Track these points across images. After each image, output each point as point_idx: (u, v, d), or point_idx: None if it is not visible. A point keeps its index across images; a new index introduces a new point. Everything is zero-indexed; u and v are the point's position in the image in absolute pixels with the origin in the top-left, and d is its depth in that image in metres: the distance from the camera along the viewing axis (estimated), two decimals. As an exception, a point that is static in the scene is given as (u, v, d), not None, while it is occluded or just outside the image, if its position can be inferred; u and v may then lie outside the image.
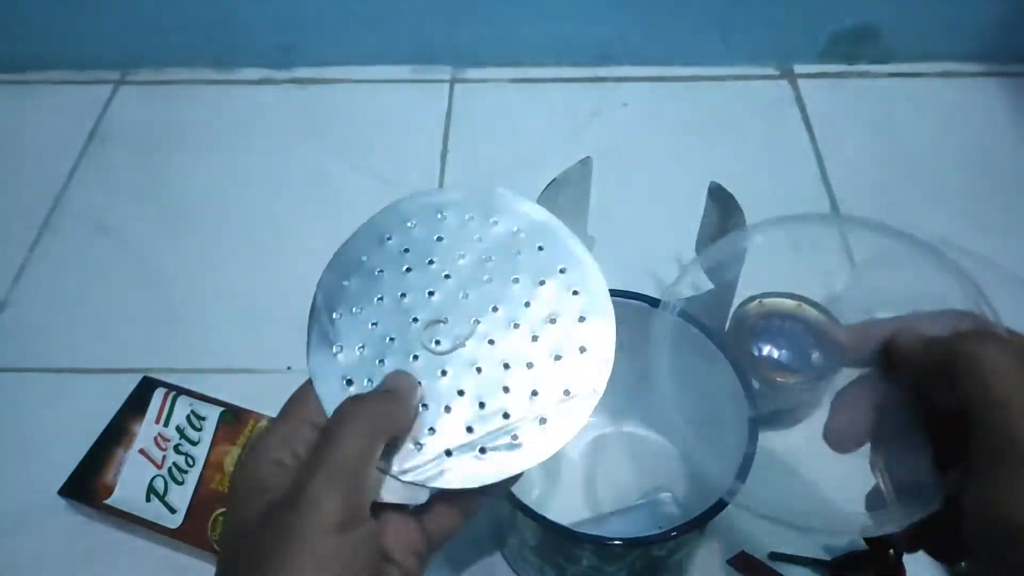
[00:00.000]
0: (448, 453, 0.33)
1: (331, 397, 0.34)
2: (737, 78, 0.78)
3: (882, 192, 0.68)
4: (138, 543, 0.51)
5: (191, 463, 0.51)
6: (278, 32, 0.78)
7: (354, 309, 0.36)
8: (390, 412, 0.32)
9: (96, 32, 0.78)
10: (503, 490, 0.34)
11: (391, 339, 0.35)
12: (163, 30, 0.78)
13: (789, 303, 0.54)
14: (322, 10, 0.76)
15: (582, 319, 0.35)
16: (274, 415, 0.34)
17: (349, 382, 0.34)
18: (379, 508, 0.32)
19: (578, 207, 0.60)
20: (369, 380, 0.34)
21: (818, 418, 0.54)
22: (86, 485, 0.51)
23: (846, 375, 0.51)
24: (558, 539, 0.40)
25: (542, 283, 0.35)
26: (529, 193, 0.54)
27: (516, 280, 0.36)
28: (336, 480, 0.29)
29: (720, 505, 0.39)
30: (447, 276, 0.36)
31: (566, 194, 0.57)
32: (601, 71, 0.79)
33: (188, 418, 0.53)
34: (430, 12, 0.76)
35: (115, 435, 0.53)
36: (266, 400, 0.37)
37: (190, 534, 0.49)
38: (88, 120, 0.77)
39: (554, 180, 0.55)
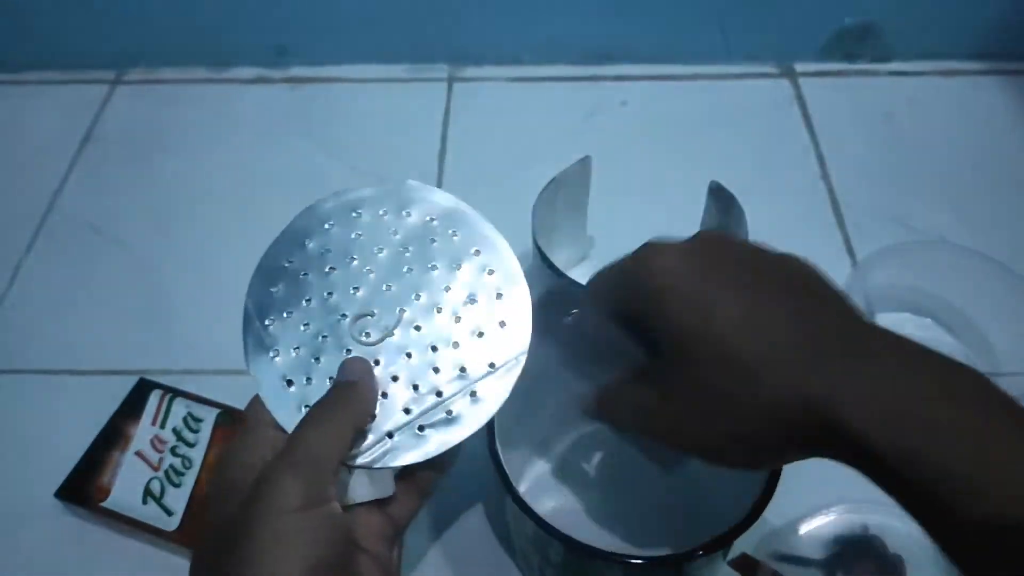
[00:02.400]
0: (390, 435, 0.36)
1: (274, 398, 0.36)
2: (737, 76, 0.78)
3: (883, 190, 0.68)
4: (135, 546, 0.50)
5: (188, 465, 0.51)
6: (273, 31, 0.78)
7: (284, 313, 0.38)
8: (350, 402, 0.35)
9: (91, 32, 0.78)
10: (450, 464, 0.37)
11: (323, 337, 0.37)
12: (158, 29, 0.78)
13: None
14: (317, 9, 0.75)
15: (499, 295, 0.37)
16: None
17: (289, 382, 0.36)
18: (350, 508, 0.34)
19: (577, 207, 0.60)
20: (308, 378, 0.36)
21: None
22: (82, 488, 0.51)
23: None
24: (583, 558, 0.39)
25: (458, 267, 0.38)
26: (529, 192, 0.54)
27: (434, 267, 0.38)
28: (294, 467, 0.31)
29: (747, 523, 0.38)
30: (369, 271, 0.38)
31: (565, 194, 0.57)
32: (600, 70, 0.79)
33: (185, 420, 0.53)
34: (427, 10, 0.75)
35: (111, 437, 0.52)
36: (263, 402, 0.37)
37: (187, 537, 0.49)
38: (83, 120, 0.76)
39: (553, 179, 0.55)
